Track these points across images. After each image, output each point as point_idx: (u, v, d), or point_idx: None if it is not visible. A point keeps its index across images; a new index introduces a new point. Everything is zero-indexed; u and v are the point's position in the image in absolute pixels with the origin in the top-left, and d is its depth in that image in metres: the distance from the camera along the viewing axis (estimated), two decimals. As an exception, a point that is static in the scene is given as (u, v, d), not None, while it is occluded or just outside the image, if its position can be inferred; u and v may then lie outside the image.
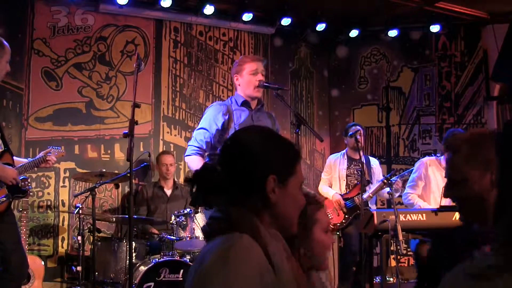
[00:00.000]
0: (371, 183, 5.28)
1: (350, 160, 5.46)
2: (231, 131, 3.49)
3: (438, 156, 4.96)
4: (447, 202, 4.20)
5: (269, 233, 1.40)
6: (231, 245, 1.29)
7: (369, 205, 5.26)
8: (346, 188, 5.40)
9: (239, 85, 3.67)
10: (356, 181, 5.34)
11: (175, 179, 5.71)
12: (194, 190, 1.44)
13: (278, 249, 1.38)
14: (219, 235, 1.36)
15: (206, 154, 3.67)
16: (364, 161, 5.39)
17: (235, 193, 1.41)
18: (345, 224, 5.25)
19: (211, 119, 3.63)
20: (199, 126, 3.72)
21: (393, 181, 5.10)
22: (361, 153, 5.42)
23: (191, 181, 1.44)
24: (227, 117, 3.59)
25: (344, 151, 5.58)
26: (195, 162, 3.60)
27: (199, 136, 3.66)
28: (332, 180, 5.52)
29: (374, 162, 5.54)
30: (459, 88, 6.71)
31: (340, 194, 5.33)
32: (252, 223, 1.37)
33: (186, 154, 3.75)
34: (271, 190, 1.39)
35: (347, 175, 5.43)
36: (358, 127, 5.35)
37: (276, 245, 1.38)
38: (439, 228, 4.18)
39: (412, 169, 5.15)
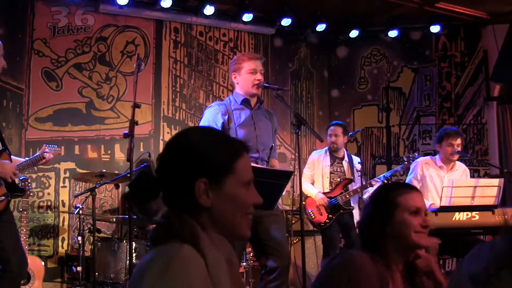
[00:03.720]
0: (354, 182, 5.24)
1: (334, 157, 5.38)
2: (231, 132, 3.48)
3: (433, 156, 4.95)
4: (446, 202, 4.20)
5: (212, 239, 1.33)
6: (170, 258, 1.20)
7: (352, 204, 5.19)
8: (329, 186, 5.29)
9: (237, 83, 3.63)
10: (339, 179, 5.30)
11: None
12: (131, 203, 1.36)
13: (217, 259, 1.30)
14: (160, 243, 1.27)
15: None
16: (347, 160, 5.36)
17: (169, 198, 1.34)
18: (329, 224, 5.11)
19: (211, 120, 3.60)
20: None
21: (381, 179, 5.12)
22: (344, 152, 5.40)
23: (128, 196, 1.37)
24: (226, 117, 3.57)
25: (327, 148, 5.45)
26: None
27: None
28: (314, 177, 5.39)
29: (356, 160, 5.43)
30: (459, 89, 6.71)
31: (323, 192, 5.23)
32: (193, 231, 1.28)
33: None
34: (201, 195, 1.30)
35: (330, 172, 5.32)
36: (332, 127, 5.36)
37: (215, 255, 1.30)
38: (439, 228, 4.18)
39: (401, 166, 5.17)
